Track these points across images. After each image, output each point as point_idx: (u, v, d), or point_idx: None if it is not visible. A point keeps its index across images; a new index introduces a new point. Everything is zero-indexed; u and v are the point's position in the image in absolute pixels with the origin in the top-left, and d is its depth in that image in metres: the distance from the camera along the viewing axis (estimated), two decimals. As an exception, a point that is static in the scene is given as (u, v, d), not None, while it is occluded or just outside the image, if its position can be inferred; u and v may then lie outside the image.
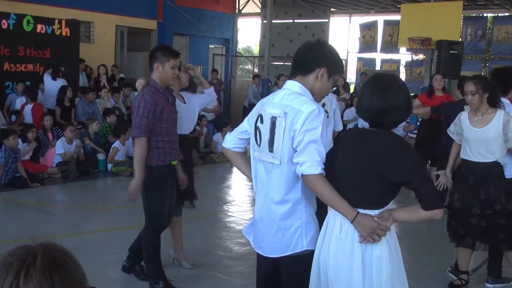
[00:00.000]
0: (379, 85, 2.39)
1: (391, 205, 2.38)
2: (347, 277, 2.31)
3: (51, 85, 9.85)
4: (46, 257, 0.99)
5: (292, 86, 2.51)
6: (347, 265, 2.31)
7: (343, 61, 2.63)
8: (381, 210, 2.32)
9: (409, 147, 2.44)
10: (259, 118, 2.54)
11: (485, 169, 4.10)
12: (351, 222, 2.28)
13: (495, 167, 4.09)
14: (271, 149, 2.46)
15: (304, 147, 2.31)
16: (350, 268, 2.30)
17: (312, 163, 2.29)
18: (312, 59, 2.50)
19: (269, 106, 2.51)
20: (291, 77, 2.56)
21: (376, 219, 2.28)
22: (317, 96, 2.55)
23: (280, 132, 2.41)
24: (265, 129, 2.49)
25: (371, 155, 2.29)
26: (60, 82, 9.85)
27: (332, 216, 2.41)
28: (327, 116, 4.61)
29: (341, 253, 2.32)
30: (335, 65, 2.54)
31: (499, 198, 4.10)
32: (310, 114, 2.33)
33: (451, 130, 4.43)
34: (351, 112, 10.04)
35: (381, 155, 2.27)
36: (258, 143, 2.54)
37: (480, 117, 4.15)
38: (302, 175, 2.32)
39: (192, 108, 4.48)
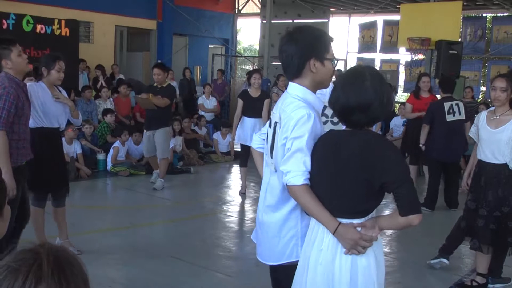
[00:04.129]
0: (347, 79, 2.23)
1: (375, 213, 2.24)
2: None
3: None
4: (51, 259, 0.99)
5: (292, 89, 2.41)
6: (326, 277, 2.19)
7: (326, 34, 2.35)
8: (365, 218, 2.18)
9: (389, 146, 2.21)
10: (270, 121, 2.50)
11: (494, 171, 4.09)
12: (333, 234, 2.17)
13: (504, 170, 4.06)
14: (271, 155, 2.43)
15: (291, 155, 2.24)
16: (330, 280, 2.19)
17: (296, 173, 2.21)
18: (295, 58, 2.33)
19: (276, 109, 2.45)
20: (289, 80, 2.47)
21: (358, 229, 2.15)
22: (325, 84, 2.43)
23: (276, 139, 2.37)
24: (270, 133, 2.46)
25: (350, 159, 2.14)
26: None
27: (316, 226, 2.27)
28: None
29: (319, 265, 2.21)
30: (319, 46, 2.33)
31: (507, 200, 4.07)
32: (298, 120, 2.24)
33: (473, 131, 4.36)
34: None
35: (359, 157, 2.12)
36: (267, 147, 2.51)
37: (497, 117, 4.11)
38: (286, 185, 2.27)
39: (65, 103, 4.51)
